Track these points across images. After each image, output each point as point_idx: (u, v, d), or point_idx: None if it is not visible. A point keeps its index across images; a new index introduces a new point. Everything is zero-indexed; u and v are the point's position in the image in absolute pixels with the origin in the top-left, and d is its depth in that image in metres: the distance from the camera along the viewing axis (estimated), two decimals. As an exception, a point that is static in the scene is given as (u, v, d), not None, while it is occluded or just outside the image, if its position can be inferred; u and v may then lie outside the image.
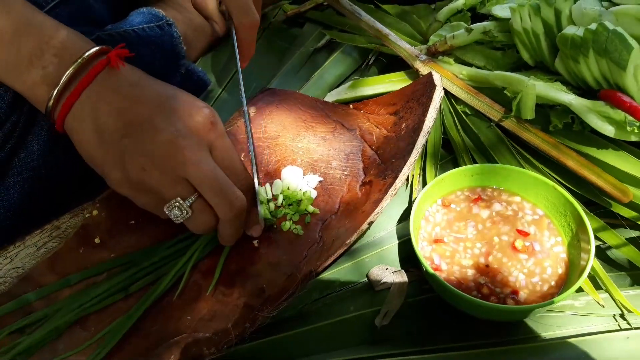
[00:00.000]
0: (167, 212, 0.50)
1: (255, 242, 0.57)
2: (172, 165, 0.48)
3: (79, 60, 0.49)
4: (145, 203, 0.51)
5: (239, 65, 0.62)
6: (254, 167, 0.59)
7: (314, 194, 0.61)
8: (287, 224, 0.58)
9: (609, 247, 0.59)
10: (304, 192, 0.61)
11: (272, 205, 0.60)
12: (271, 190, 0.62)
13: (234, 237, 0.55)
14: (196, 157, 0.49)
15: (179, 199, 0.49)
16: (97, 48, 0.50)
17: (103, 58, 0.50)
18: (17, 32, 0.48)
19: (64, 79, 0.48)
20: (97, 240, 0.56)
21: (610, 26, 0.58)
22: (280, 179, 0.63)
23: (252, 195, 0.55)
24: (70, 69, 0.48)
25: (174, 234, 0.57)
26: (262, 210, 0.57)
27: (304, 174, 0.63)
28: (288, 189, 0.61)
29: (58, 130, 0.51)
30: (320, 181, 0.63)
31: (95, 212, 0.58)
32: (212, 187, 0.50)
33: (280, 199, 0.60)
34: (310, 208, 0.60)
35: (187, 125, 0.50)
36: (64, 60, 0.49)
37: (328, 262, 0.54)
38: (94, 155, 0.50)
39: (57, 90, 0.48)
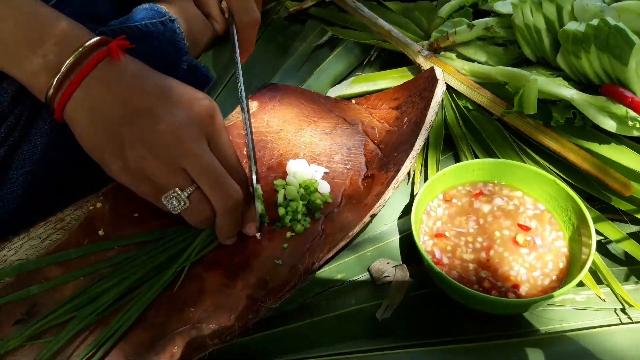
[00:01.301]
0: (164, 202, 0.50)
1: (257, 234, 0.57)
2: (172, 155, 0.48)
3: (80, 49, 0.49)
4: (144, 192, 0.51)
5: (238, 62, 0.62)
6: (253, 165, 0.60)
7: (325, 186, 0.62)
8: (299, 216, 0.59)
9: (610, 242, 0.59)
10: (315, 182, 0.61)
11: (285, 204, 0.60)
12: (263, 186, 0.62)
13: (231, 232, 0.55)
14: (195, 148, 0.49)
15: (177, 189, 0.50)
16: (98, 38, 0.50)
17: (104, 48, 0.50)
18: (19, 21, 0.48)
19: (64, 67, 0.48)
20: (101, 233, 0.57)
21: (612, 22, 0.58)
22: (284, 172, 0.63)
23: (247, 191, 0.55)
24: (71, 57, 0.48)
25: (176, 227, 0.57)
26: (259, 207, 0.57)
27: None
28: (303, 180, 0.62)
29: (58, 120, 0.51)
30: (325, 172, 0.63)
31: (99, 205, 0.58)
32: (209, 179, 0.50)
33: (301, 191, 0.60)
34: (319, 201, 0.60)
35: (187, 116, 0.50)
36: (64, 49, 0.49)
37: (330, 254, 0.54)
38: (93, 144, 0.50)
39: (57, 79, 0.48)
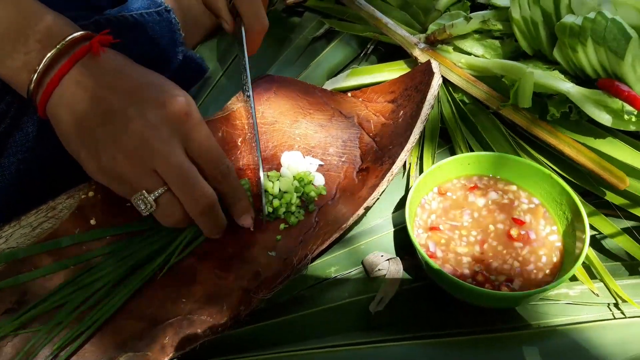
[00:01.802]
0: (133, 204, 0.50)
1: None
2: (141, 157, 0.48)
3: (58, 46, 0.48)
4: (120, 191, 0.51)
5: (247, 64, 0.62)
6: (260, 160, 0.59)
7: (320, 178, 0.61)
8: (293, 208, 0.58)
9: (605, 237, 0.59)
10: (310, 174, 0.61)
11: (279, 193, 0.60)
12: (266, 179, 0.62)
13: (212, 231, 0.54)
14: (165, 149, 0.48)
15: (144, 192, 0.49)
16: (80, 33, 0.49)
17: (85, 44, 0.49)
18: (3, 17, 0.48)
19: (42, 63, 0.47)
20: (92, 222, 0.56)
21: (609, 15, 0.58)
22: (279, 164, 0.63)
23: (236, 184, 0.55)
24: (50, 53, 0.48)
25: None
26: (265, 201, 0.57)
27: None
28: (297, 172, 0.61)
29: (41, 117, 0.50)
30: (320, 165, 0.63)
31: (91, 194, 0.57)
32: (177, 182, 0.49)
33: (295, 183, 0.60)
34: (313, 193, 0.60)
35: (159, 115, 0.49)
36: (46, 46, 0.48)
37: (324, 246, 0.54)
38: (70, 142, 0.50)
39: (37, 76, 0.48)
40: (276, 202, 0.59)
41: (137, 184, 0.49)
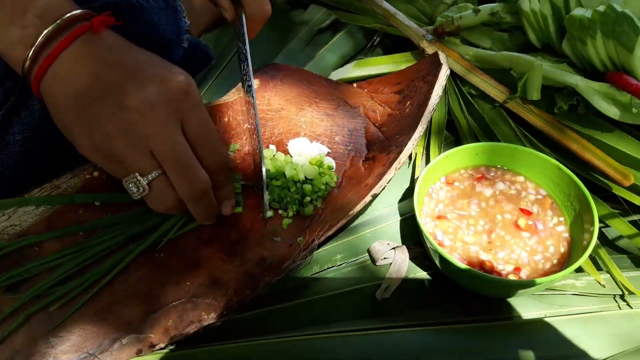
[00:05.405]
0: (125, 186, 0.48)
1: (270, 212, 0.57)
2: (137, 136, 0.46)
3: (57, 21, 0.46)
4: (115, 172, 0.49)
5: (248, 53, 0.61)
6: (260, 147, 0.58)
7: (332, 164, 0.61)
8: (307, 199, 0.58)
9: (612, 230, 0.59)
10: (326, 164, 0.61)
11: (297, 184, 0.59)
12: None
13: (204, 218, 0.53)
14: (162, 129, 0.46)
15: (136, 174, 0.47)
16: (79, 11, 0.48)
17: (85, 23, 0.48)
18: None
19: (40, 39, 0.46)
20: (97, 202, 0.55)
21: (619, 8, 0.58)
22: (285, 150, 0.62)
23: (226, 171, 0.53)
24: (48, 29, 0.46)
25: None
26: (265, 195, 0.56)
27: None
28: (311, 157, 0.61)
29: (35, 94, 0.49)
30: (327, 152, 0.62)
31: (95, 174, 0.57)
32: (173, 164, 0.47)
33: (308, 170, 0.59)
34: (333, 183, 0.59)
35: (159, 93, 0.47)
36: (44, 21, 0.46)
37: (330, 232, 0.53)
38: (64, 119, 0.48)
39: (33, 51, 0.46)
40: (307, 187, 0.58)
41: (130, 164, 0.47)
